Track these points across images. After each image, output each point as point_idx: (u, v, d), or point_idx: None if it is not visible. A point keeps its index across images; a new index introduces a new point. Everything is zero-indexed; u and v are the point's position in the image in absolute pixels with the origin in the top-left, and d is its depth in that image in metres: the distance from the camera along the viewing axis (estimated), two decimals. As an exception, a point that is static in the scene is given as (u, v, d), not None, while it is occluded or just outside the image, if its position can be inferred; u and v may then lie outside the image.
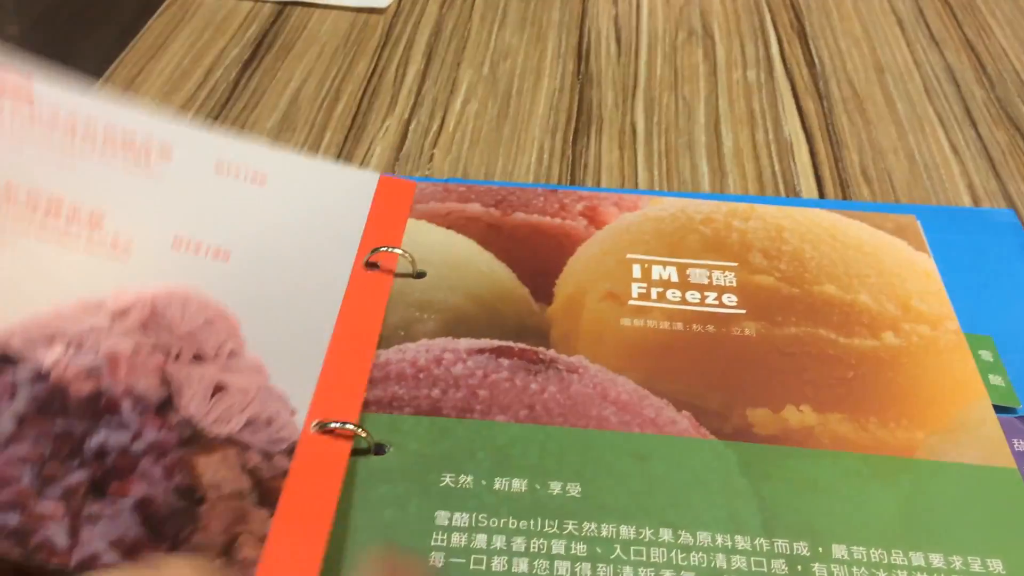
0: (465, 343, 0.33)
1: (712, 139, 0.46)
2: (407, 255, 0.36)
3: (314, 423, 0.30)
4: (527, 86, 0.49)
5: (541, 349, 0.33)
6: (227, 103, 0.47)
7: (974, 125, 0.47)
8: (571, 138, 0.46)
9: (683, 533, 0.28)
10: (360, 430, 0.29)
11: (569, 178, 0.43)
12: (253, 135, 0.45)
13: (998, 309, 0.36)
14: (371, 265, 0.36)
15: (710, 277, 0.36)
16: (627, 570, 0.27)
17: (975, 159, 0.44)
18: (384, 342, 0.33)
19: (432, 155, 0.44)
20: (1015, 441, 0.31)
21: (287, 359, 0.31)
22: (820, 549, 0.27)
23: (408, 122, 0.46)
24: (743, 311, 0.35)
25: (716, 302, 0.35)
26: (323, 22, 0.54)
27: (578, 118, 0.47)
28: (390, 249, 0.36)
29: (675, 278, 0.36)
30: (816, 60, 0.51)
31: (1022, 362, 0.34)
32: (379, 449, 0.30)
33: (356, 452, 0.29)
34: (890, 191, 0.42)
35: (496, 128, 0.46)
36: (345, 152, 0.44)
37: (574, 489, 0.29)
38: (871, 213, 0.40)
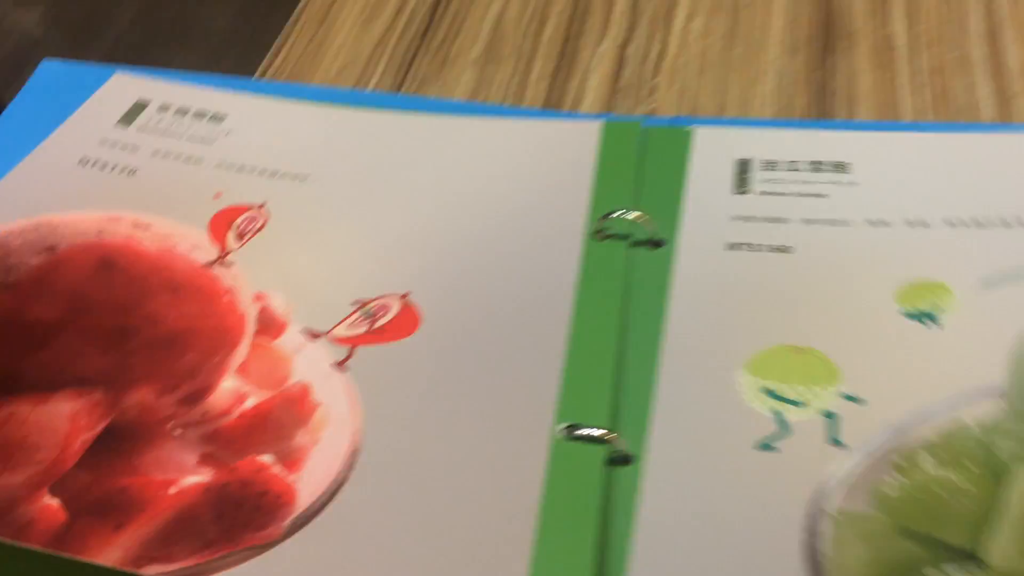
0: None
1: (989, 52, 0.38)
2: (645, 218, 0.32)
3: (561, 426, 0.27)
4: (759, -6, 0.43)
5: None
6: (426, 32, 0.44)
7: None
8: (816, 59, 0.39)
9: None
10: (614, 435, 0.27)
11: (817, 110, 0.37)
12: (456, 71, 0.42)
13: None
14: (601, 233, 0.32)
15: None
16: None
17: None
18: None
19: (654, 86, 0.40)
20: None
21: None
22: None
23: (624, 46, 0.41)
24: None
25: None
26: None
27: (824, 33, 0.40)
28: (624, 213, 0.32)
29: None
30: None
31: None
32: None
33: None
34: None
35: (726, 49, 0.40)
36: (556, 87, 0.40)
37: None
38: None
